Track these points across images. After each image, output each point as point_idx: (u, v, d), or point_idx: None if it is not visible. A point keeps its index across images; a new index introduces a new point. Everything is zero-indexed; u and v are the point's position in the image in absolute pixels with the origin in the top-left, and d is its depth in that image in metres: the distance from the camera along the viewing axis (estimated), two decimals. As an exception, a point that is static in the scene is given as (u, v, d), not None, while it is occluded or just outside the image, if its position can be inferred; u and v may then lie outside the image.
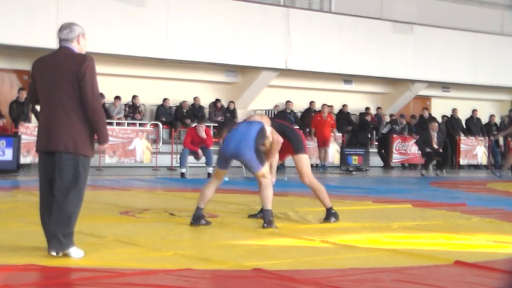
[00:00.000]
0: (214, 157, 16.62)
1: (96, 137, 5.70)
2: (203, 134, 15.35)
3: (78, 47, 5.82)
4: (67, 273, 5.07)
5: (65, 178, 5.57)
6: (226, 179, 12.32)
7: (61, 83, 5.57)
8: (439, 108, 24.84)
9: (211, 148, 15.77)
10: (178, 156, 16.77)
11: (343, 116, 22.48)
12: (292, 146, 8.26)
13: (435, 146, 18.50)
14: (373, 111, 23.06)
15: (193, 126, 15.97)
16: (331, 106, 21.82)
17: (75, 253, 5.55)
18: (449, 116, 23.30)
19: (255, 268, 5.28)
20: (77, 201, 5.61)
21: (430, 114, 23.29)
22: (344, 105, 22.70)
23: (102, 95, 18.76)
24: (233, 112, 20.62)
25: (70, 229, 5.56)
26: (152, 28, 18.59)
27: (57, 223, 5.53)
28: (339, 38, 21.61)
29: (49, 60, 5.75)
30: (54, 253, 5.51)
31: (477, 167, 23.05)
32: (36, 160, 5.81)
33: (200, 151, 15.39)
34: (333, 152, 20.75)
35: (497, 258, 6.14)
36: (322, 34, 21.27)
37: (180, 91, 20.55)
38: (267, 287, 4.93)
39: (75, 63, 5.59)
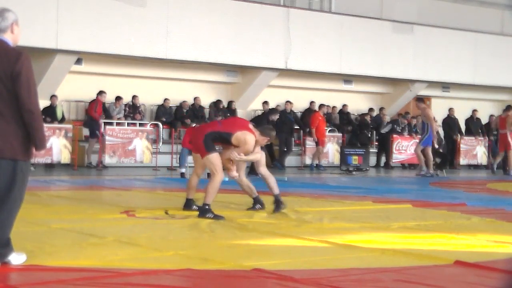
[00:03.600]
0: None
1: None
2: None
3: (12, 37, 5.19)
4: (67, 273, 5.07)
5: (0, 185, 5.09)
6: (226, 179, 12.28)
7: None
8: (439, 108, 24.82)
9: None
10: (178, 156, 16.76)
11: (343, 116, 22.50)
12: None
13: (436, 146, 18.48)
14: (373, 111, 23.08)
15: (193, 126, 16.01)
16: (328, 106, 21.86)
17: (16, 259, 5.20)
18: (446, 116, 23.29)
19: (255, 268, 5.28)
20: (11, 209, 5.14)
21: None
22: (344, 105, 22.71)
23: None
24: (233, 112, 20.60)
25: (5, 238, 5.14)
26: (152, 28, 18.59)
27: None
28: (339, 38, 21.60)
29: None
30: None
31: (477, 167, 23.05)
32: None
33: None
34: (333, 152, 20.79)
35: (497, 258, 6.13)
36: (322, 34, 21.27)
37: (180, 91, 20.54)
38: (267, 287, 4.92)
39: (9, 61, 5.03)
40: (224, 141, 8.62)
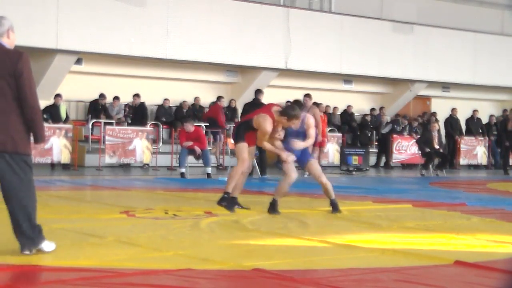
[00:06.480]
0: (213, 158, 16.65)
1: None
2: (190, 128, 15.45)
3: (8, 42, 5.53)
4: (67, 273, 5.07)
5: (7, 178, 5.44)
6: (226, 179, 12.31)
7: None
8: (439, 108, 24.84)
9: (207, 149, 15.80)
10: (178, 156, 16.76)
11: (346, 117, 22.52)
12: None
13: (436, 146, 18.48)
14: (375, 111, 23.08)
15: (183, 126, 16.07)
16: (327, 106, 21.89)
17: (48, 247, 5.59)
18: (448, 116, 23.30)
19: (255, 268, 5.28)
20: (26, 195, 5.51)
21: (434, 115, 23.36)
22: (349, 106, 22.75)
23: (102, 96, 18.79)
24: (234, 111, 20.61)
25: (33, 223, 5.52)
26: (152, 28, 18.59)
27: (21, 221, 5.47)
28: (339, 38, 21.61)
29: None
30: (27, 252, 5.48)
31: (477, 167, 23.04)
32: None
33: (197, 148, 15.42)
34: (333, 152, 20.77)
35: (497, 258, 6.14)
36: (322, 34, 21.28)
37: (180, 91, 20.55)
38: (267, 287, 4.92)
39: (11, 61, 5.39)
40: (252, 128, 8.78)
